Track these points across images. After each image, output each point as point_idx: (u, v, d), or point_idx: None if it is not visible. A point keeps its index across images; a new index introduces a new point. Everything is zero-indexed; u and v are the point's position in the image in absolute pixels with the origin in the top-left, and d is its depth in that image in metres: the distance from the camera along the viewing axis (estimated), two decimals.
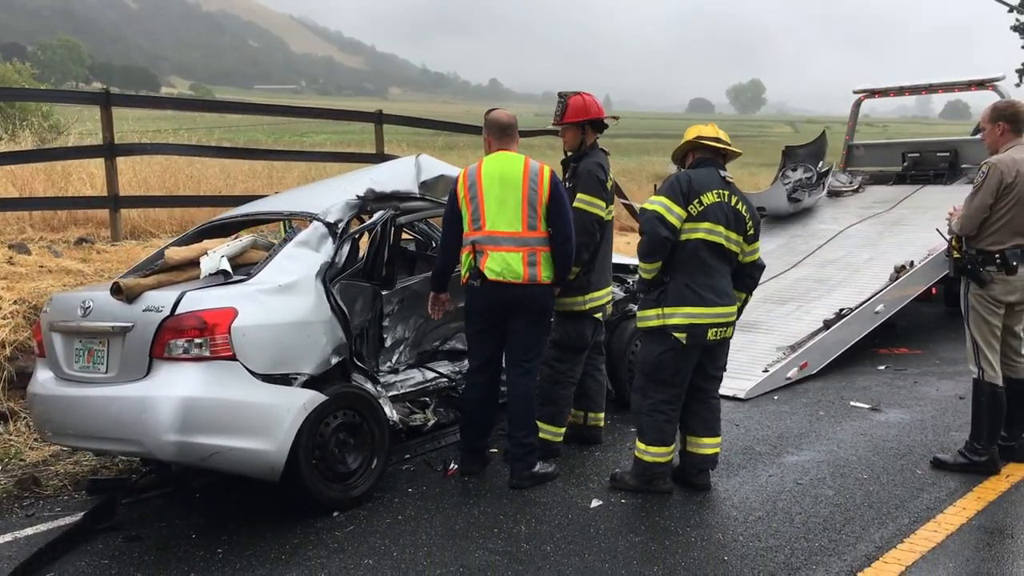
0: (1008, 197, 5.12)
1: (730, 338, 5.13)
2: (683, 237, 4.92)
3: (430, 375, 6.32)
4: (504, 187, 5.17)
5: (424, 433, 6.07)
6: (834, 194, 11.58)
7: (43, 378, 5.13)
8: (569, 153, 5.78)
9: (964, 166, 11.46)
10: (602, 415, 6.06)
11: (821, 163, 11.70)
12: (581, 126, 5.69)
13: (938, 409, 6.62)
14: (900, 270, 8.57)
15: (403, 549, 4.46)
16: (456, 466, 5.56)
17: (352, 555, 4.41)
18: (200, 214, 11.44)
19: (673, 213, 4.89)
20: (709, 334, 4.96)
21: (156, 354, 4.55)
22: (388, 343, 6.09)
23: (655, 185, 5.41)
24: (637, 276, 5.28)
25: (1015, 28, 36.00)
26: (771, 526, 4.60)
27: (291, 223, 6.35)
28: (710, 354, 5.07)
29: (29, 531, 4.94)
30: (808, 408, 6.71)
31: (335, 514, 4.90)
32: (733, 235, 4.98)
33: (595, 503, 4.98)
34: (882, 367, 7.96)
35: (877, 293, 8.29)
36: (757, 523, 4.65)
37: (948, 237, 5.54)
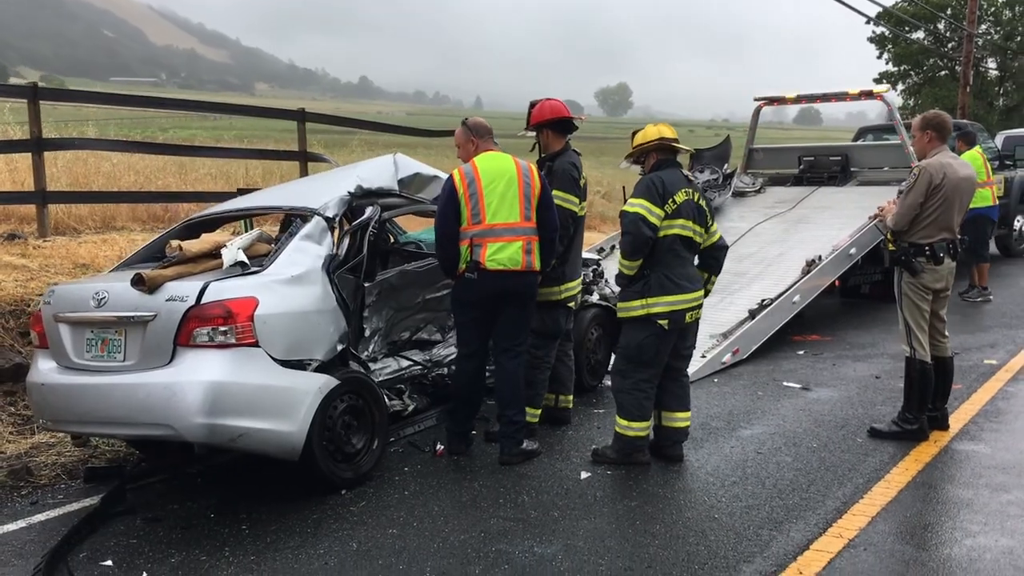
0: (936, 197, 5.82)
1: (699, 319, 5.68)
2: (660, 234, 5.43)
3: (404, 363, 6.67)
4: (506, 183, 5.57)
5: (404, 418, 6.39)
6: (739, 194, 12.41)
7: (45, 368, 5.23)
8: (543, 154, 6.24)
9: (853, 169, 12.48)
10: (571, 397, 6.53)
11: (726, 165, 12.50)
12: (539, 129, 6.17)
13: (860, 387, 7.37)
14: (811, 264, 9.36)
15: (420, 519, 4.81)
16: (443, 447, 5.92)
17: (374, 526, 4.74)
18: (123, 209, 11.40)
19: (653, 214, 5.39)
20: (686, 317, 5.50)
21: (181, 342, 4.76)
22: (367, 333, 6.39)
23: (624, 188, 5.87)
24: (616, 272, 5.73)
25: (871, 40, 38.30)
26: (746, 489, 5.15)
27: (252, 222, 6.60)
28: (682, 335, 5.61)
29: (40, 517, 5.07)
30: (747, 389, 7.35)
31: (343, 492, 5.20)
32: (698, 227, 5.54)
33: (584, 475, 5.44)
34: (801, 352, 8.71)
35: (793, 285, 9.04)
36: (734, 487, 5.20)
37: (883, 232, 6.23)
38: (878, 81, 36.96)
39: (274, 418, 4.85)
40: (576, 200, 6.07)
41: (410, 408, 6.45)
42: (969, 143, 11.14)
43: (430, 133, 14.27)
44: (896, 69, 37.47)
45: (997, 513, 4.76)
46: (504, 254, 5.53)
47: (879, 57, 37.99)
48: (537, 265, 5.65)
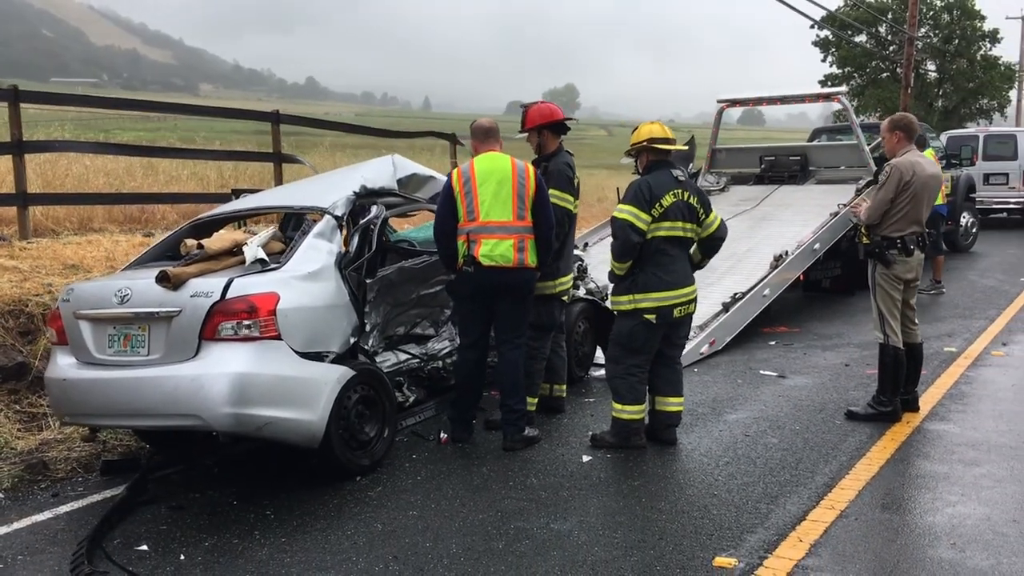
0: (906, 193, 6.22)
1: (692, 313, 6.02)
2: (648, 236, 5.75)
3: (403, 356, 6.94)
4: (498, 182, 5.85)
5: (404, 409, 6.64)
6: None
7: (65, 363, 5.39)
8: (538, 155, 6.54)
9: (811, 168, 12.97)
10: (565, 387, 6.83)
11: (691, 165, 12.90)
12: (538, 131, 6.47)
13: (832, 375, 7.77)
14: (778, 259, 9.78)
15: (438, 501, 5.07)
16: (446, 435, 6.18)
17: (394, 509, 4.99)
18: (98, 211, 11.46)
19: (641, 220, 5.71)
20: (675, 312, 5.83)
21: (206, 336, 4.96)
22: (367, 328, 6.63)
23: (618, 189, 6.16)
24: (609, 270, 6.04)
25: (816, 43, 39.22)
26: (740, 468, 5.50)
27: (246, 221, 6.81)
28: (675, 326, 5.94)
29: (65, 508, 5.24)
30: (727, 377, 7.72)
31: (358, 479, 5.43)
32: (689, 225, 5.87)
33: (586, 458, 5.74)
34: (772, 343, 9.12)
35: (763, 279, 9.45)
36: (728, 466, 5.54)
37: (858, 225, 6.60)
38: (823, 83, 37.93)
39: (297, 407, 5.07)
40: (571, 199, 6.38)
41: (410, 400, 6.69)
42: (921, 145, 11.64)
43: (402, 135, 14.48)
44: (840, 71, 38.40)
45: (972, 485, 5.15)
46: (497, 251, 5.80)
47: (823, 60, 38.95)
48: (531, 261, 5.92)
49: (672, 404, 6.02)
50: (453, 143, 14.08)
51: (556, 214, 6.15)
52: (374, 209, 6.12)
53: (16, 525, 4.98)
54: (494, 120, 6.31)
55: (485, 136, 6.11)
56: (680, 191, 5.80)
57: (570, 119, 6.64)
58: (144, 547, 4.60)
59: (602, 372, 7.82)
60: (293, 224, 6.80)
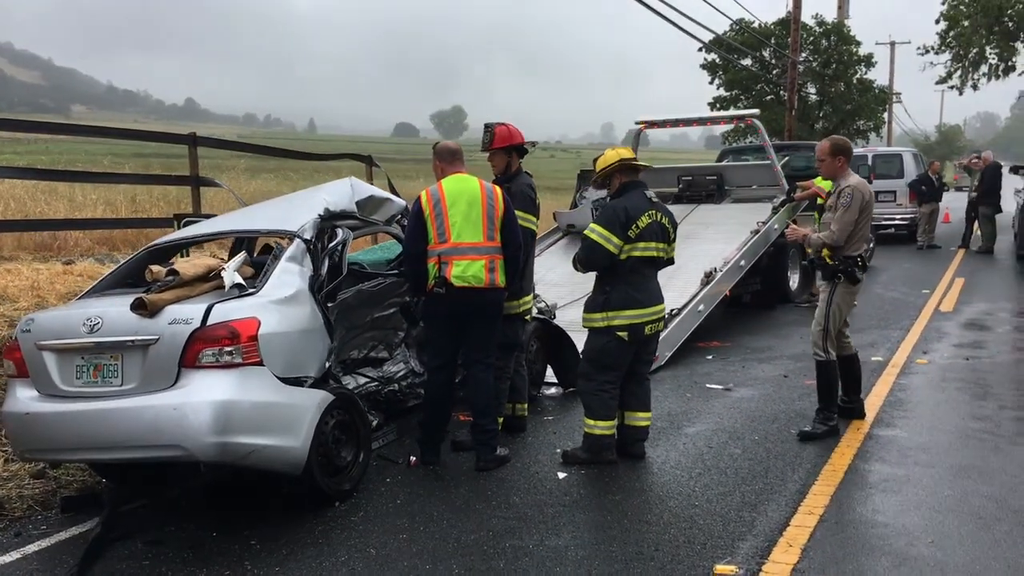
0: (865, 213, 6.48)
1: (661, 330, 6.17)
2: (622, 256, 5.88)
3: (361, 380, 6.88)
4: (468, 203, 5.89)
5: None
6: None
7: (25, 396, 5.16)
8: (498, 176, 6.60)
9: (727, 188, 13.40)
10: (527, 406, 6.88)
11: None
12: (508, 151, 6.55)
13: (774, 386, 8.04)
14: (709, 275, 10.08)
15: (425, 524, 5.05)
16: (415, 458, 6.15)
17: (383, 533, 4.94)
18: (7, 239, 10.98)
19: (611, 243, 5.84)
20: (646, 330, 5.97)
21: (186, 363, 4.83)
22: None
23: (593, 210, 6.32)
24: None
25: (703, 66, 40.51)
26: (714, 479, 5.65)
27: (187, 250, 6.68)
28: (644, 343, 6.07)
29: (33, 547, 5.00)
30: (676, 391, 7.90)
31: (337, 504, 5.36)
32: (662, 245, 6.03)
33: (561, 475, 5.80)
34: (709, 357, 9.37)
35: (696, 295, 9.72)
36: (701, 477, 5.68)
37: (814, 249, 6.68)
38: (712, 106, 39.23)
39: (281, 434, 4.98)
40: (534, 219, 6.47)
41: (374, 423, 6.63)
42: None
43: (320, 157, 14.32)
44: (728, 94, 39.75)
45: (932, 485, 5.43)
46: (469, 271, 5.83)
47: (711, 83, 40.26)
48: (501, 282, 5.98)
49: (640, 419, 6.15)
50: (369, 165, 13.99)
51: (522, 235, 6.23)
52: (340, 232, 6.08)
53: None
54: (458, 144, 6.35)
55: (452, 158, 6.15)
56: (654, 212, 5.95)
57: (531, 143, 6.74)
58: None
59: (554, 391, 7.97)
60: (245, 250, 6.68)
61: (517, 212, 6.26)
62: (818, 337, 6.63)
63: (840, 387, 6.75)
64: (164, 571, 4.59)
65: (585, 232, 6.03)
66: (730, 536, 4.74)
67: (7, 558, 4.85)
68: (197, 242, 6.43)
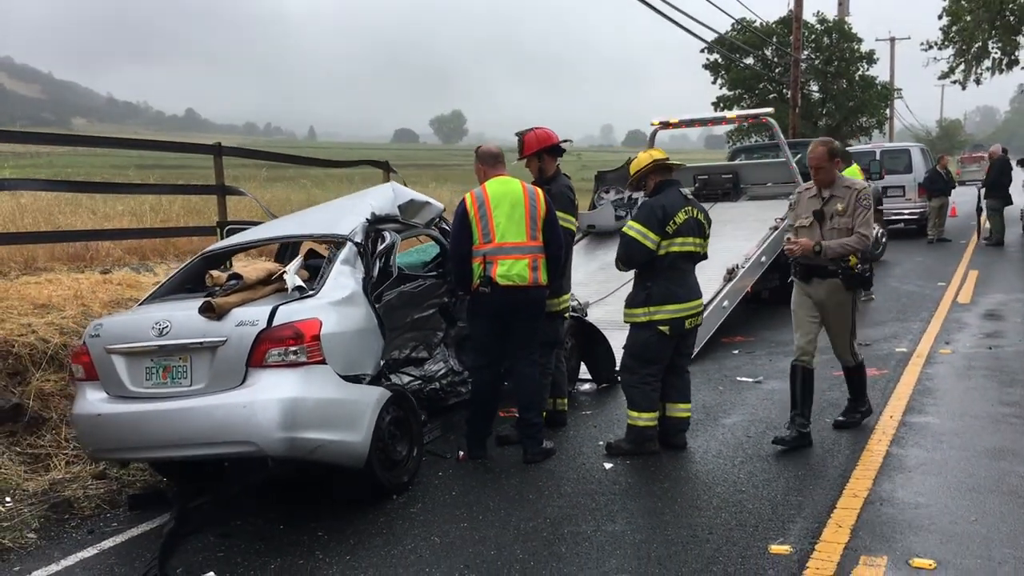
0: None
1: (700, 324, 6.38)
2: (661, 252, 6.09)
3: (405, 379, 7.07)
4: (511, 205, 6.10)
5: None
6: None
7: (96, 398, 5.37)
8: (536, 179, 6.81)
9: (742, 186, 13.60)
10: (567, 400, 7.08)
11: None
12: (539, 156, 6.76)
13: None
14: (731, 272, 10.28)
15: (483, 513, 5.25)
16: (463, 452, 6.35)
17: (444, 523, 5.14)
18: (40, 250, 11.18)
19: (649, 239, 6.05)
20: (686, 324, 6.18)
21: (253, 363, 5.04)
22: None
23: (626, 210, 6.46)
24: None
25: (706, 66, 40.74)
26: (757, 467, 5.84)
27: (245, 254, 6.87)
28: (685, 337, 6.28)
29: (109, 543, 5.23)
30: (708, 385, 8.10)
31: (395, 497, 5.57)
32: (699, 240, 6.25)
33: (608, 465, 6.00)
34: (735, 351, 9.57)
35: (720, 291, 9.92)
36: (744, 466, 5.88)
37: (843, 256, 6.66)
38: (716, 105, 39.45)
39: (344, 429, 5.19)
40: (573, 219, 6.68)
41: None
42: (847, 161, 12.41)
43: (342, 164, 14.53)
44: (732, 93, 39.96)
45: (967, 466, 5.63)
46: (513, 270, 6.04)
47: (714, 82, 40.48)
48: (543, 280, 6.19)
49: (681, 410, 6.35)
50: (386, 171, 14.21)
51: (563, 234, 6.43)
52: (388, 236, 6.29)
53: (64, 563, 4.95)
54: (500, 147, 6.55)
55: (494, 161, 6.36)
56: (690, 208, 6.16)
57: (566, 140, 6.94)
58: (211, 574, 4.64)
59: (587, 387, 8.16)
60: (289, 254, 6.90)
61: (558, 212, 6.46)
62: (848, 344, 6.69)
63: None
64: (239, 561, 4.79)
65: (623, 230, 6.24)
66: (780, 518, 4.93)
67: (85, 553, 5.06)
68: (250, 247, 6.62)
